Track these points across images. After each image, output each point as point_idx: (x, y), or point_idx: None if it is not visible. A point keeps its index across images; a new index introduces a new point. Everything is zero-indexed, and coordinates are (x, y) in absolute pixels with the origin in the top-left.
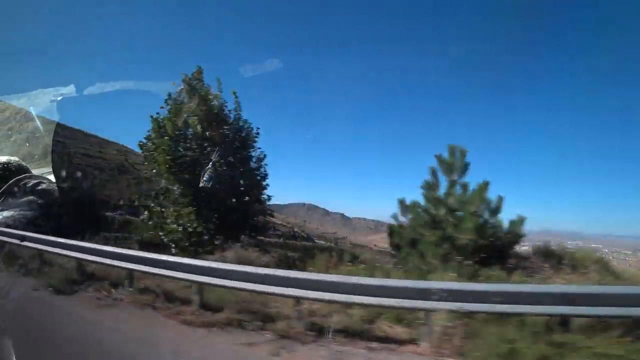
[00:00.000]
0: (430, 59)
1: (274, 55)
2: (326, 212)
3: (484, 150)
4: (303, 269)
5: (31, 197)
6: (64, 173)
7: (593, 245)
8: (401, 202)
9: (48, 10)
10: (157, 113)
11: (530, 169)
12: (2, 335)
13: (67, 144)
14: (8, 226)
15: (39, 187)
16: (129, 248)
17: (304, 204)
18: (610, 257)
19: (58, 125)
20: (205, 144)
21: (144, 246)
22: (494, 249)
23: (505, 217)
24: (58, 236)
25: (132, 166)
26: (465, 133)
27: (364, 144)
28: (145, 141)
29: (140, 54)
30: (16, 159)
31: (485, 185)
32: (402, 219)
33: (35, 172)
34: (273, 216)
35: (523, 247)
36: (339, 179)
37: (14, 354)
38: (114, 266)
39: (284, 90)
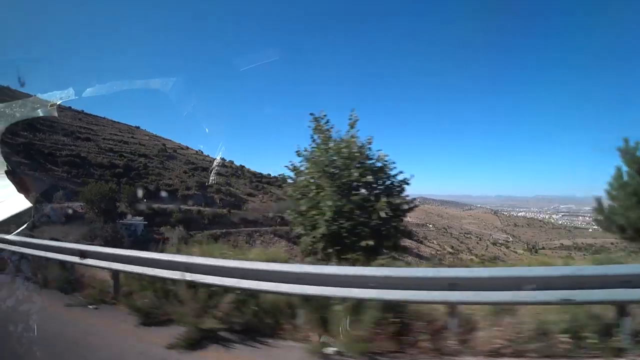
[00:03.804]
0: (424, 45)
1: (271, 44)
2: None
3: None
4: None
5: None
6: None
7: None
8: None
9: (39, 10)
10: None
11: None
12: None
13: (96, 130)
14: None
15: None
16: None
17: None
18: (553, 218)
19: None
20: None
21: None
22: None
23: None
24: None
25: (174, 151)
26: (463, 121)
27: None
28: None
29: (134, 52)
30: None
31: None
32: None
33: None
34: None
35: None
36: None
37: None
38: None
39: (282, 79)
